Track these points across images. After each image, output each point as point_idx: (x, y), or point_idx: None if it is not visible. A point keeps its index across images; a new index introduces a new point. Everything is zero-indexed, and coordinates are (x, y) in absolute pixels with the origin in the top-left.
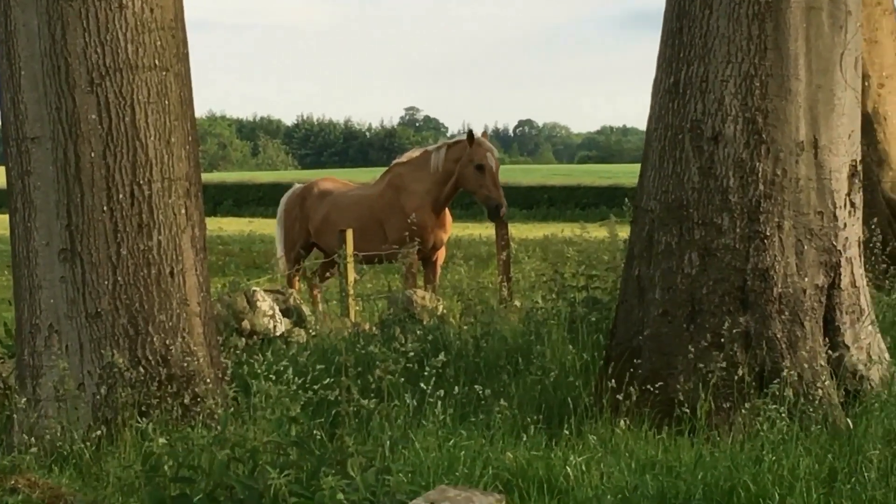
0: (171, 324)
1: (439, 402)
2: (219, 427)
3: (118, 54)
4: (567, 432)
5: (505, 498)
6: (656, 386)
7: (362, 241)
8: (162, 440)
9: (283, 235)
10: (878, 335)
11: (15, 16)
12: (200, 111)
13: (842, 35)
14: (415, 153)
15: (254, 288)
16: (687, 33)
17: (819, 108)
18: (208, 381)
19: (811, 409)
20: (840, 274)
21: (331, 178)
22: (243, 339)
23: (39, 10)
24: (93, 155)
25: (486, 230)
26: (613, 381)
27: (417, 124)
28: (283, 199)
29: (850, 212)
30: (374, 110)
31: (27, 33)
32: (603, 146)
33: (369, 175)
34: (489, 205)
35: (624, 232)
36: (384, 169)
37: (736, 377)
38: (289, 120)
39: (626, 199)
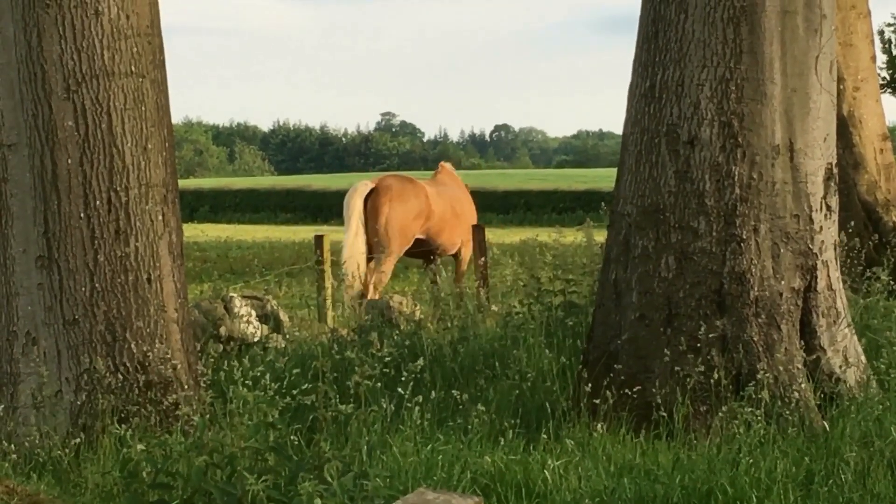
0: (148, 330)
1: (417, 407)
2: (196, 433)
3: (94, 61)
4: (545, 436)
5: (483, 501)
6: (634, 390)
7: (458, 236)
8: (140, 446)
9: (397, 238)
10: (855, 338)
11: None
12: (176, 117)
13: (817, 39)
14: None
15: (231, 294)
16: (662, 37)
17: (794, 112)
18: (186, 387)
19: (788, 412)
20: (816, 277)
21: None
22: (221, 346)
23: (15, 17)
24: (70, 162)
25: None
26: (591, 385)
27: (394, 129)
28: (390, 200)
29: (826, 215)
30: (350, 116)
31: (3, 40)
32: (580, 150)
33: (347, 181)
34: None
35: (601, 236)
36: (386, 172)
37: (713, 380)
38: (265, 126)
39: (603, 204)
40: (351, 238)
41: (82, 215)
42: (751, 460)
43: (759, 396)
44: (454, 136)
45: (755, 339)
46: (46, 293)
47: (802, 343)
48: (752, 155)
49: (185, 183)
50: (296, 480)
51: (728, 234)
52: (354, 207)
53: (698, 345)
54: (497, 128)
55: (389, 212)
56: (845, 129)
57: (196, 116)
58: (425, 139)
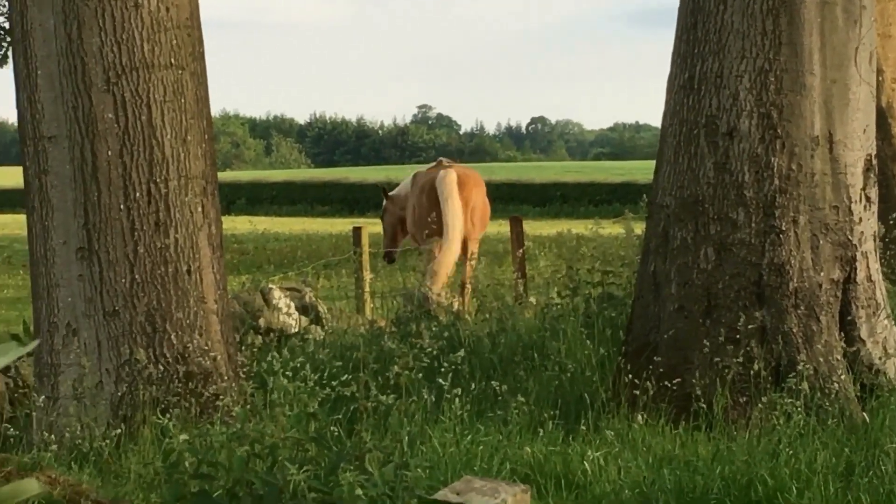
0: (188, 321)
1: (457, 399)
2: (237, 424)
3: (134, 53)
4: (584, 427)
5: (529, 489)
6: (673, 381)
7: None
8: (182, 437)
9: (479, 224)
10: (894, 329)
11: (31, 15)
12: (214, 110)
13: (856, 29)
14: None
15: (270, 286)
16: (701, 29)
17: (834, 103)
18: (226, 378)
19: (827, 403)
20: (856, 268)
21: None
22: (260, 337)
23: (56, 10)
24: (109, 154)
25: (500, 227)
26: (630, 376)
27: (430, 122)
28: (474, 187)
29: (865, 206)
30: (386, 108)
31: (43, 33)
32: (616, 143)
33: (383, 173)
34: None
35: (639, 228)
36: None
37: (752, 372)
38: (302, 118)
39: (644, 196)
40: (461, 223)
41: (122, 207)
42: (791, 451)
43: (799, 388)
44: (490, 129)
45: (794, 330)
46: (87, 284)
47: (842, 334)
48: (792, 146)
49: (223, 175)
50: (337, 471)
51: (767, 225)
52: (453, 194)
53: (737, 336)
54: (533, 120)
55: (476, 200)
56: (884, 121)
57: (233, 109)
58: (462, 132)
